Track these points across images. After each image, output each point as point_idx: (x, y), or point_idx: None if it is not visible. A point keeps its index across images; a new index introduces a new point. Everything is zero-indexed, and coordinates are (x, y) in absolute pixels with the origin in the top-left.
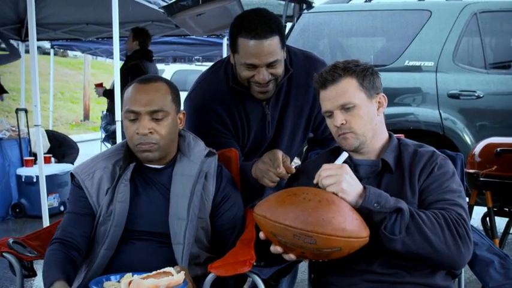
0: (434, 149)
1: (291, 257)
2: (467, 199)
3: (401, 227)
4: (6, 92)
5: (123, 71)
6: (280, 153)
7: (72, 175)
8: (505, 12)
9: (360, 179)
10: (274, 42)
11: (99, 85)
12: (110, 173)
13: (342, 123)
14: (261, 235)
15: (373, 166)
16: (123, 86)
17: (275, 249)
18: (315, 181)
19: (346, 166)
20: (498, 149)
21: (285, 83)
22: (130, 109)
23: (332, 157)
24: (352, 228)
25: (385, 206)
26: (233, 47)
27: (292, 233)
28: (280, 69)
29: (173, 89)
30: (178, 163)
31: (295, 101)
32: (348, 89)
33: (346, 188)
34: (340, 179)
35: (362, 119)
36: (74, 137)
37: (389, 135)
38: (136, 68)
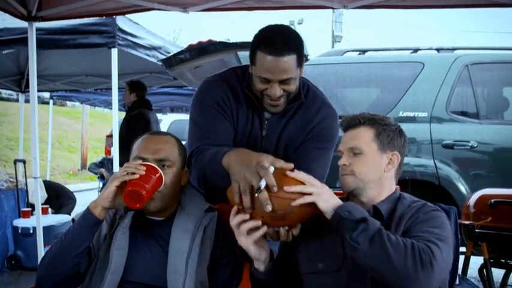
0: (427, 202)
1: (254, 224)
2: (463, 249)
3: (365, 238)
4: None
5: (128, 121)
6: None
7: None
8: (495, 63)
9: None
10: (290, 60)
11: (111, 136)
12: (110, 220)
13: (345, 164)
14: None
15: None
16: (129, 136)
17: (241, 217)
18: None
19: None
20: (492, 200)
21: (292, 110)
22: (139, 155)
23: None
24: (302, 189)
25: (354, 215)
26: (252, 58)
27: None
28: (293, 86)
29: (181, 145)
30: (177, 217)
31: (292, 132)
32: (362, 136)
33: (325, 200)
34: (319, 192)
35: (366, 166)
36: (71, 187)
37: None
38: (140, 116)
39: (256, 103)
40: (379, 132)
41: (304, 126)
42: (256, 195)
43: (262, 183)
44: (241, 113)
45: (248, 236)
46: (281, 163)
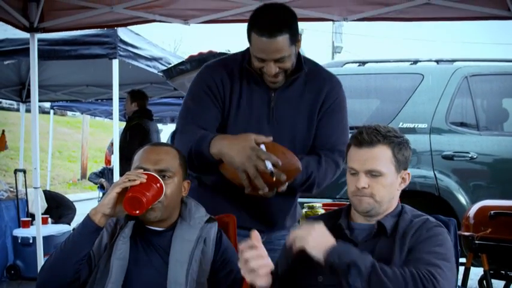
0: (428, 217)
1: (262, 262)
2: (463, 260)
3: (362, 280)
4: None
5: (127, 130)
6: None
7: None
8: (494, 75)
9: (356, 245)
10: (283, 40)
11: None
12: (110, 229)
13: (364, 187)
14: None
15: (369, 229)
16: (128, 145)
17: (251, 254)
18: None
19: (319, 225)
20: (492, 211)
21: (299, 82)
22: (140, 166)
23: (329, 223)
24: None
25: (343, 260)
26: (248, 38)
27: None
28: (288, 64)
29: (182, 156)
30: (178, 228)
31: (307, 107)
32: (381, 157)
33: (312, 247)
34: (307, 238)
35: (385, 189)
36: (71, 196)
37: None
38: (139, 127)
39: (258, 78)
40: (396, 152)
41: (317, 98)
42: (274, 179)
43: (269, 165)
44: (236, 90)
45: (254, 272)
46: (263, 138)
